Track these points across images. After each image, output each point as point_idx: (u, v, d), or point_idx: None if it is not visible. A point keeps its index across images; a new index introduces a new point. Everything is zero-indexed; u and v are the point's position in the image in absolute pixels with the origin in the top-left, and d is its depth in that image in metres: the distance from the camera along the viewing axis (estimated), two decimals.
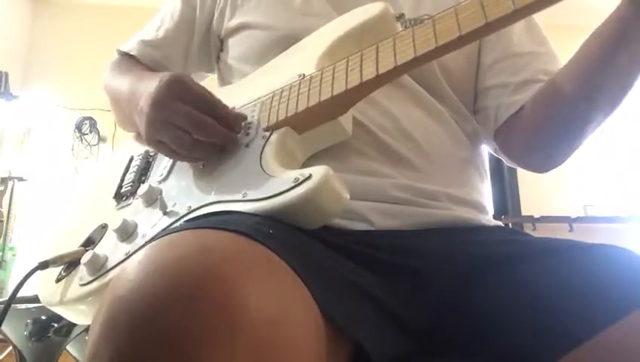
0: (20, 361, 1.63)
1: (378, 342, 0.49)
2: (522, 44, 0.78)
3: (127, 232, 0.64)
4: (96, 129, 3.81)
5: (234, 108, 0.66)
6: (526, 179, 3.84)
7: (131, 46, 0.90)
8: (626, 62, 0.62)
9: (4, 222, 3.30)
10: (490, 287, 0.56)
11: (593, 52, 0.65)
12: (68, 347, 1.67)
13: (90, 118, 3.79)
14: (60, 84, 3.84)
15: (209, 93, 0.61)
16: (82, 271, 0.65)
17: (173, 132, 0.60)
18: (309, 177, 0.52)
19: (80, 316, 0.69)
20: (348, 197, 0.54)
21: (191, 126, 0.59)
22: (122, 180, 0.76)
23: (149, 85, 0.64)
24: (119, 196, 0.74)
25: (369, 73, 0.57)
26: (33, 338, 1.58)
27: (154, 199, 0.65)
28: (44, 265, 0.69)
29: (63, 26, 4.05)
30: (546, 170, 0.76)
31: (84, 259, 0.64)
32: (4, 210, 3.33)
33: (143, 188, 0.66)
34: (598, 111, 0.67)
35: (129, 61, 0.88)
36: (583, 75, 0.66)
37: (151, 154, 0.77)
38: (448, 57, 0.57)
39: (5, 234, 3.32)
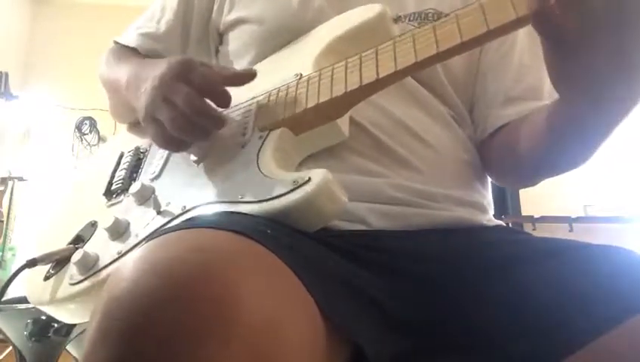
0: (20, 361, 1.62)
1: (377, 343, 0.49)
2: (522, 54, 0.77)
3: (118, 231, 0.63)
4: (96, 129, 3.81)
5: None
6: None
7: (130, 38, 0.88)
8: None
9: (4, 222, 3.30)
10: (490, 288, 0.56)
11: (547, 127, 0.62)
12: (68, 347, 1.67)
13: (90, 118, 3.80)
14: (59, 84, 3.84)
15: (217, 72, 0.62)
16: (72, 270, 0.64)
17: (170, 111, 0.59)
18: (308, 180, 0.51)
19: (69, 315, 0.68)
20: (346, 200, 0.54)
21: (187, 106, 0.59)
22: (112, 177, 0.75)
23: (156, 68, 0.64)
24: (109, 193, 0.73)
25: (369, 76, 0.57)
26: (33, 338, 1.57)
27: (146, 197, 0.64)
28: (32, 263, 0.68)
29: (63, 26, 4.05)
30: (520, 188, 0.77)
31: (75, 257, 0.63)
32: (4, 210, 3.33)
33: (135, 187, 0.65)
34: (566, 159, 0.65)
35: (128, 51, 0.86)
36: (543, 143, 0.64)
37: (142, 150, 0.76)
38: None
39: (5, 234, 3.32)
